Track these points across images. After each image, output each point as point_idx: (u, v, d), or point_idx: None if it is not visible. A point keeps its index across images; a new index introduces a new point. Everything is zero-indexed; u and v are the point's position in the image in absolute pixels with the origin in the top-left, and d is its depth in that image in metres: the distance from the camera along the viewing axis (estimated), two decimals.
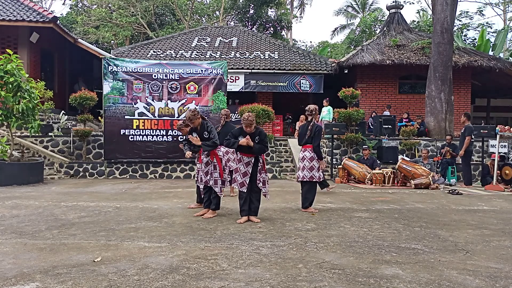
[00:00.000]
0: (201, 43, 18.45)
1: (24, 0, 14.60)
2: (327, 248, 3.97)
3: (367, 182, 10.06)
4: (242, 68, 15.97)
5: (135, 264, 3.38)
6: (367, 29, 26.78)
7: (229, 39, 19.09)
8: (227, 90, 11.83)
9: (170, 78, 11.12)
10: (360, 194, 7.90)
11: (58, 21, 14.19)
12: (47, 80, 13.60)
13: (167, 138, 11.02)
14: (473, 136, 10.02)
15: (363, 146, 11.33)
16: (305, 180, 6.05)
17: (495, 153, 10.01)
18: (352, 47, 25.86)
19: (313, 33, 64.52)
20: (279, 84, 16.11)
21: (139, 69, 11.05)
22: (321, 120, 14.34)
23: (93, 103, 11.74)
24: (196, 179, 6.11)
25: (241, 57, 17.01)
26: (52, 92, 12.26)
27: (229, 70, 13.84)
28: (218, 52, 17.42)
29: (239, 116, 12.22)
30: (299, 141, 6.36)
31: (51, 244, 4.03)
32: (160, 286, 2.89)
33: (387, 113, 14.80)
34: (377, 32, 23.46)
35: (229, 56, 16.98)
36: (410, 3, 26.81)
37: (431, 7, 19.62)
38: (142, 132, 11.00)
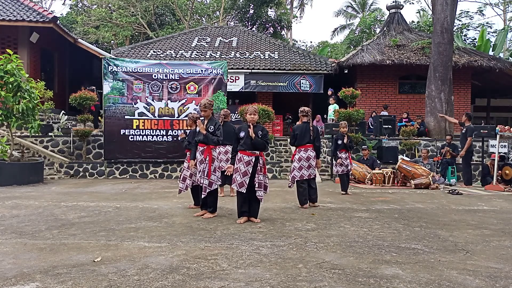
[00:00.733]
0: (201, 43, 18.45)
1: (24, 0, 14.61)
2: (327, 248, 3.96)
3: (367, 182, 10.07)
4: (242, 68, 15.97)
5: (135, 264, 3.38)
6: (366, 29, 26.77)
7: (229, 39, 19.09)
8: (227, 90, 11.83)
9: (170, 78, 11.12)
10: (360, 194, 7.90)
11: (58, 21, 14.19)
12: (47, 80, 13.59)
13: (167, 138, 11.02)
14: (473, 136, 10.04)
15: (363, 146, 11.34)
16: (312, 177, 6.48)
17: (495, 153, 10.01)
18: (352, 47, 25.85)
19: (313, 33, 64.59)
20: (279, 84, 16.11)
21: (139, 69, 11.05)
22: (329, 118, 14.30)
23: (93, 103, 11.74)
24: (179, 179, 6.23)
25: (241, 57, 17.01)
26: (52, 92, 12.26)
27: (229, 70, 13.84)
28: (218, 52, 17.42)
29: (239, 116, 12.22)
30: (298, 140, 6.47)
31: (51, 244, 4.03)
32: (160, 286, 2.89)
33: (384, 113, 14.80)
34: (377, 32, 23.46)
35: (229, 56, 16.98)
36: (410, 3, 26.81)
37: (431, 7, 19.64)
38: (142, 132, 11.00)
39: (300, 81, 16.13)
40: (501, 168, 9.99)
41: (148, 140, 11.01)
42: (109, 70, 10.92)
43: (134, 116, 10.97)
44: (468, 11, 39.94)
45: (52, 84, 15.36)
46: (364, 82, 16.63)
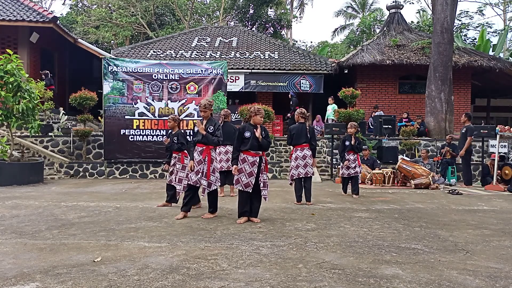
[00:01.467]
0: (201, 43, 18.45)
1: (24, 0, 14.61)
2: (327, 248, 3.96)
3: (367, 182, 10.06)
4: (242, 68, 15.97)
5: (135, 264, 3.38)
6: (366, 29, 26.77)
7: (229, 39, 19.09)
8: (227, 90, 11.83)
9: (170, 78, 11.12)
10: (360, 194, 7.89)
11: (58, 21, 14.20)
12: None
13: None
14: (473, 136, 10.04)
15: (363, 147, 11.32)
16: (308, 176, 6.57)
17: (495, 153, 10.01)
18: (352, 47, 25.85)
19: (313, 33, 64.56)
20: (279, 84, 16.11)
21: (139, 69, 11.05)
22: (327, 118, 14.34)
23: (93, 103, 11.75)
24: (171, 179, 6.28)
25: (241, 57, 17.01)
26: (52, 92, 12.26)
27: (229, 70, 13.84)
28: (218, 52, 17.42)
29: (239, 116, 12.22)
30: (294, 140, 6.74)
31: (51, 244, 4.03)
32: (160, 286, 2.89)
33: (379, 113, 14.82)
34: (377, 32, 23.46)
35: (229, 56, 16.98)
36: (410, 3, 26.82)
37: (431, 7, 19.65)
38: (142, 132, 11.00)
39: (300, 81, 16.13)
40: (501, 168, 9.99)
41: (148, 140, 11.01)
42: (109, 70, 10.93)
43: (134, 116, 10.97)
44: (468, 11, 39.97)
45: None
46: (364, 82, 16.62)
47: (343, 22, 41.27)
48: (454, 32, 15.84)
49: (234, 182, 5.25)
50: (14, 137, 10.14)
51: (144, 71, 11.07)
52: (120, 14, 25.63)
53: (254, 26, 26.70)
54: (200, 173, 5.33)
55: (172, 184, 6.27)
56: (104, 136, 11.12)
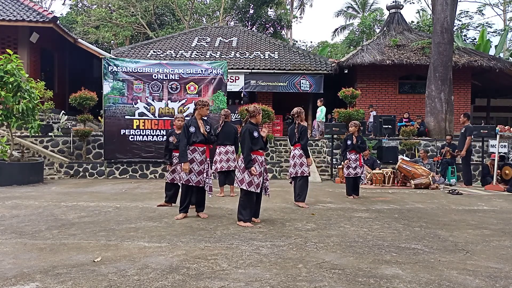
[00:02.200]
0: (201, 43, 18.46)
1: (24, 0, 14.61)
2: (327, 248, 3.97)
3: (367, 182, 10.06)
4: (242, 68, 15.98)
5: (135, 264, 3.38)
6: (365, 29, 26.77)
7: (229, 39, 19.09)
8: (227, 90, 11.83)
9: (170, 78, 11.12)
10: (360, 194, 7.89)
11: (58, 21, 14.19)
12: (47, 80, 13.59)
13: None
14: (472, 136, 10.04)
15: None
16: (297, 175, 6.56)
17: (495, 153, 10.01)
18: (352, 47, 25.86)
19: (313, 33, 64.55)
20: (279, 84, 16.12)
21: (139, 69, 11.05)
22: (317, 120, 14.37)
23: (93, 103, 11.75)
24: (173, 177, 6.25)
25: (241, 57, 17.01)
26: (52, 92, 12.26)
27: (229, 70, 13.84)
28: (218, 52, 17.42)
29: (239, 116, 12.22)
30: (289, 141, 6.96)
31: (51, 244, 4.03)
32: (160, 286, 2.89)
33: (373, 113, 14.82)
34: (377, 32, 23.46)
35: (229, 56, 16.99)
36: (410, 3, 26.82)
37: (431, 7, 19.64)
38: (142, 132, 11.00)
39: (300, 81, 16.13)
40: (501, 168, 9.99)
41: (148, 140, 11.01)
42: (109, 70, 10.93)
43: (134, 116, 10.97)
44: (468, 11, 39.96)
45: (52, 84, 15.35)
46: (364, 82, 16.63)
47: (343, 22, 41.34)
48: (454, 32, 15.84)
49: (246, 184, 4.96)
50: (14, 137, 10.14)
51: (144, 71, 11.07)
52: (120, 14, 25.63)
53: (254, 26, 26.70)
54: (204, 173, 5.36)
55: (174, 182, 6.25)
56: (104, 136, 11.12)
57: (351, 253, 3.80)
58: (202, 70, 11.24)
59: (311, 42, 57.42)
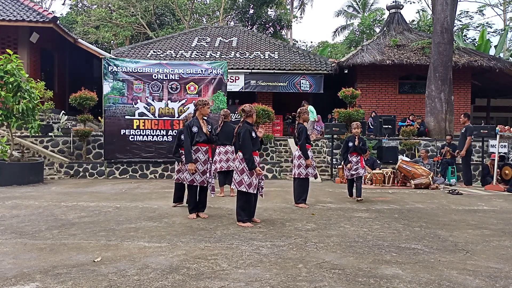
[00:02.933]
0: (201, 43, 18.46)
1: (24, 0, 14.60)
2: (327, 248, 3.96)
3: (367, 182, 10.06)
4: (242, 68, 15.97)
5: (135, 264, 3.38)
6: (366, 29, 26.77)
7: (229, 39, 19.09)
8: (227, 90, 11.83)
9: (170, 78, 11.12)
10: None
11: (58, 21, 14.19)
12: (47, 80, 13.59)
13: (167, 138, 11.02)
14: (473, 136, 10.04)
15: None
16: (295, 177, 6.57)
17: (495, 153, 10.01)
18: (352, 47, 25.85)
19: (313, 33, 64.53)
20: (279, 84, 16.11)
21: (139, 69, 11.05)
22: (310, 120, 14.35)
23: (93, 103, 11.74)
24: (178, 177, 6.28)
25: (241, 57, 17.01)
26: (52, 92, 12.26)
27: (229, 70, 13.84)
28: (218, 52, 17.42)
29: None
30: (295, 142, 6.95)
31: (51, 244, 4.03)
32: (160, 286, 2.89)
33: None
34: (377, 32, 23.46)
35: (229, 56, 16.98)
36: (410, 3, 26.83)
37: (431, 7, 19.64)
38: (142, 132, 11.00)
39: (300, 81, 16.13)
40: (501, 168, 9.98)
41: (148, 140, 11.00)
42: (109, 70, 10.92)
43: (134, 116, 10.97)
44: (468, 11, 39.95)
45: (52, 84, 15.35)
46: (364, 82, 16.63)
47: (343, 22, 41.27)
48: (454, 32, 15.84)
49: (246, 186, 4.93)
50: (14, 137, 10.14)
51: (144, 71, 11.07)
52: (120, 14, 25.63)
53: (254, 26, 26.69)
54: (207, 173, 5.40)
55: (180, 182, 6.24)
56: (104, 136, 11.12)
57: (351, 253, 3.79)
58: (202, 70, 11.24)
59: (311, 42, 57.44)
